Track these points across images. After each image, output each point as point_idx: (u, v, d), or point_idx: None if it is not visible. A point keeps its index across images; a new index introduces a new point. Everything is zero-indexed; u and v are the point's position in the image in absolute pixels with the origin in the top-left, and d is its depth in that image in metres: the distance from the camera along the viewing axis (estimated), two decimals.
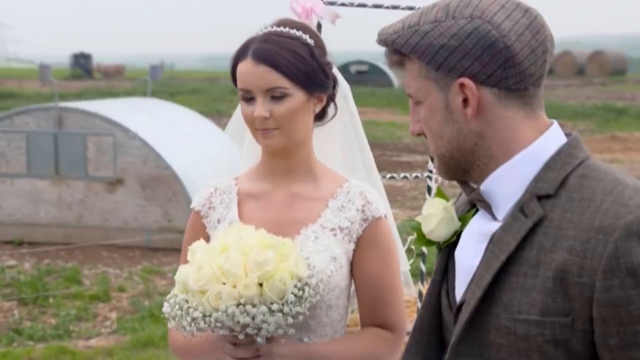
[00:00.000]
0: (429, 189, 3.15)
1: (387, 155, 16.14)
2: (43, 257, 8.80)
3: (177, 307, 1.71)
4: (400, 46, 1.29)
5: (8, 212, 9.54)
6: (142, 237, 9.09)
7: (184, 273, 1.72)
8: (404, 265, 2.38)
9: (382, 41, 1.33)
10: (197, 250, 1.75)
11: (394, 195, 11.59)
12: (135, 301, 7.21)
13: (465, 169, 1.33)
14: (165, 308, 1.74)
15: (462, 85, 1.27)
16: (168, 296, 1.76)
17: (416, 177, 3.25)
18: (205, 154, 9.01)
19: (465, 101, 1.28)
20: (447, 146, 1.32)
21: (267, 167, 1.95)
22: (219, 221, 1.96)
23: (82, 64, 47.11)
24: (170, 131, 9.72)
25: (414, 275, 2.80)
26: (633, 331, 1.16)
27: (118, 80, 41.06)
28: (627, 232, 1.17)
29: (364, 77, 37.29)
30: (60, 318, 6.75)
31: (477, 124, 1.29)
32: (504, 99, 1.27)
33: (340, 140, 2.14)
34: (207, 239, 1.89)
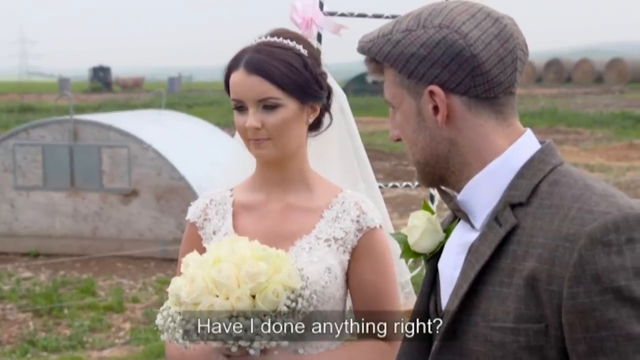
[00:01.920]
0: (432, 198, 3.15)
1: (402, 164, 16.13)
2: (59, 268, 8.87)
3: (169, 319, 1.71)
4: (375, 54, 1.32)
5: (24, 225, 9.63)
6: (157, 248, 9.14)
7: (176, 285, 1.72)
8: (405, 274, 2.37)
9: (359, 49, 1.36)
10: (190, 262, 1.75)
11: (409, 204, 11.58)
12: (148, 312, 7.24)
13: (441, 176, 1.35)
14: (158, 320, 1.73)
15: (431, 93, 1.29)
16: (161, 308, 1.76)
17: (418, 186, 3.25)
18: (220, 165, 9.05)
19: (436, 108, 1.29)
20: (421, 153, 1.33)
21: (262, 177, 1.95)
22: (214, 232, 1.96)
23: (101, 77, 47.49)
24: (184, 143, 9.78)
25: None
26: (599, 337, 1.17)
27: (137, 93, 41.34)
28: (591, 240, 1.17)
29: (380, 86, 37.23)
30: (74, 329, 6.79)
31: (449, 131, 1.30)
32: (474, 106, 1.29)
33: (338, 151, 2.14)
34: (203, 250, 1.89)
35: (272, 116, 1.85)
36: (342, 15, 2.88)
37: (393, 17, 2.95)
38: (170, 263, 8.98)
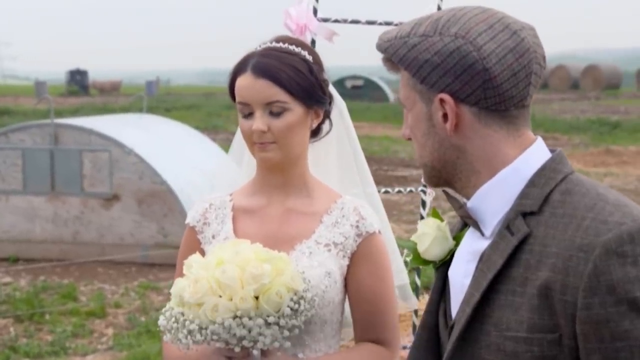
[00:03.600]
0: (423, 203, 3.17)
1: (382, 169, 16.16)
2: (39, 273, 8.78)
3: (173, 320, 1.72)
4: (391, 55, 1.32)
5: (4, 229, 9.53)
6: (138, 253, 9.09)
7: (180, 286, 1.73)
8: (404, 278, 2.38)
9: (377, 46, 1.36)
10: (192, 263, 1.76)
11: (390, 210, 11.60)
12: (131, 317, 7.20)
13: (447, 180, 1.35)
14: (161, 321, 1.74)
15: (442, 101, 1.29)
16: (164, 309, 1.77)
17: (410, 191, 3.26)
18: (201, 169, 9.02)
19: (445, 116, 1.30)
20: (429, 157, 1.34)
21: (263, 182, 1.96)
22: (213, 237, 1.97)
23: (78, 80, 47.16)
24: (166, 147, 9.73)
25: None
26: (613, 348, 1.17)
27: (114, 97, 41.10)
28: (606, 250, 1.17)
29: (359, 91, 37.39)
30: (57, 335, 6.73)
31: (458, 139, 1.30)
32: (484, 117, 1.29)
33: (337, 156, 2.15)
34: (202, 254, 1.90)
35: (278, 120, 1.86)
36: (336, 21, 2.89)
37: (387, 23, 2.96)
38: (151, 268, 8.94)
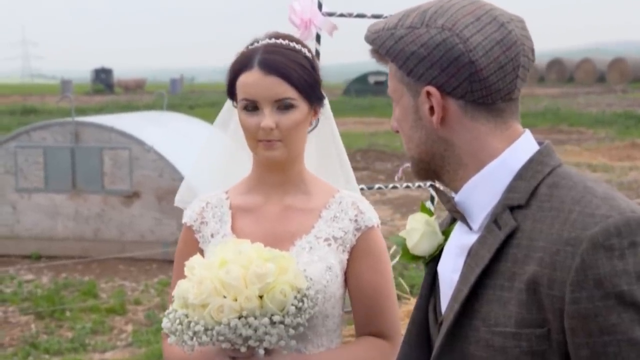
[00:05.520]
0: (432, 198, 3.15)
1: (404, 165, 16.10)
2: (61, 270, 8.86)
3: (177, 321, 1.71)
4: (378, 47, 1.31)
5: (26, 227, 9.62)
6: (159, 250, 9.13)
7: (183, 288, 1.73)
8: None
9: (365, 38, 1.35)
10: (195, 265, 1.75)
11: (411, 205, 11.56)
12: (150, 314, 7.24)
13: (435, 172, 1.34)
14: (165, 323, 1.74)
15: (428, 94, 1.28)
16: (167, 312, 1.76)
17: (419, 186, 3.24)
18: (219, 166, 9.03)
19: (432, 109, 1.28)
20: (416, 149, 1.33)
21: (260, 179, 1.95)
22: (212, 235, 1.96)
23: (103, 78, 47.52)
24: (185, 144, 9.77)
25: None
26: (602, 342, 1.16)
27: (139, 95, 41.37)
28: (593, 244, 1.15)
29: (382, 87, 37.31)
30: (76, 331, 6.79)
31: (445, 132, 1.29)
32: (470, 110, 1.27)
33: (318, 152, 2.12)
34: (201, 254, 1.89)
35: (286, 117, 1.85)
36: (341, 15, 2.88)
37: None
38: (171, 265, 8.86)
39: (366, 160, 16.65)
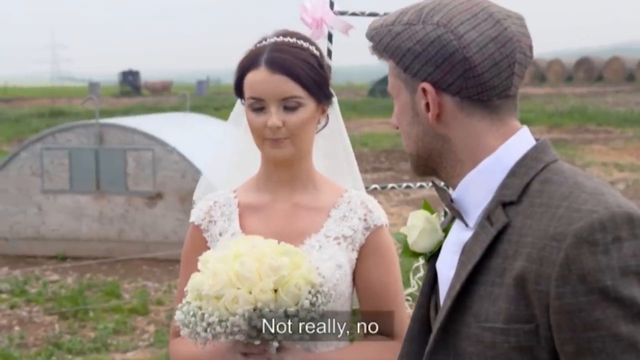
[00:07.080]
0: None
1: None
2: (85, 271, 8.94)
3: (190, 313, 1.72)
4: (376, 43, 1.32)
5: (52, 228, 9.73)
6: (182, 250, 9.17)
7: (197, 281, 1.73)
8: None
9: (365, 35, 1.36)
10: (209, 259, 1.75)
11: (435, 205, 11.49)
12: (172, 314, 7.26)
13: (433, 169, 1.34)
14: (178, 316, 1.74)
15: (424, 90, 1.28)
16: (180, 305, 1.76)
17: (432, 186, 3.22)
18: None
19: (428, 105, 1.29)
20: (414, 146, 1.33)
21: (268, 178, 1.94)
22: (220, 234, 1.96)
23: (130, 81, 47.90)
24: (208, 145, 9.81)
25: None
26: (586, 338, 1.15)
27: (165, 97, 41.65)
28: (577, 239, 1.15)
29: None
30: (99, 331, 6.84)
31: (441, 128, 1.29)
32: (466, 107, 1.27)
33: (326, 150, 2.11)
34: None
35: (293, 115, 1.85)
36: (353, 14, 2.86)
37: None
38: None
39: (390, 160, 16.62)
